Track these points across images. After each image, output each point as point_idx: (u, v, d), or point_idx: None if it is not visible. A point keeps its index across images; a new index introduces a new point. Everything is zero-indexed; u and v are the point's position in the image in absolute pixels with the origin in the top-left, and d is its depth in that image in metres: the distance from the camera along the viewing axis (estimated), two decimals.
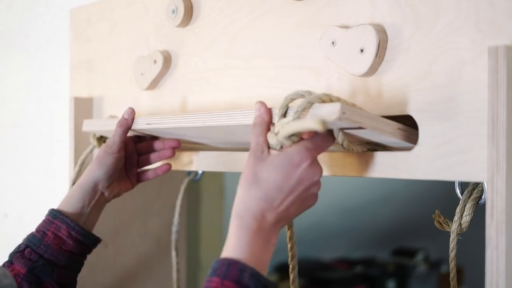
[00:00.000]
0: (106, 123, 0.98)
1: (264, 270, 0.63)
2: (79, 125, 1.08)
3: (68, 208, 0.89)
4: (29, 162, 1.49)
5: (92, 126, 1.02)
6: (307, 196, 0.66)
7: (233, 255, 0.62)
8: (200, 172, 1.16)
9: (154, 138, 0.99)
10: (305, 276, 2.72)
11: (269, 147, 0.66)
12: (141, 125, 0.89)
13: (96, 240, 0.91)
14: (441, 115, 0.66)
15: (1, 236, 1.55)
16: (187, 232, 1.36)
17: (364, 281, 2.71)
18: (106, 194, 0.92)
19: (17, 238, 1.50)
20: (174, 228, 1.15)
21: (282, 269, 2.79)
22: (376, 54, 0.70)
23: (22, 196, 1.51)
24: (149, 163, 0.98)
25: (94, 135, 1.06)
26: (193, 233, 1.42)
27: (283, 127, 0.64)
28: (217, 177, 1.49)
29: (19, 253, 0.86)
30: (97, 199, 0.91)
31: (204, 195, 1.43)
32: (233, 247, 0.62)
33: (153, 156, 0.97)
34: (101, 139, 1.06)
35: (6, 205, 1.56)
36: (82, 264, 0.90)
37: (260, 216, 0.63)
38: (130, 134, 0.95)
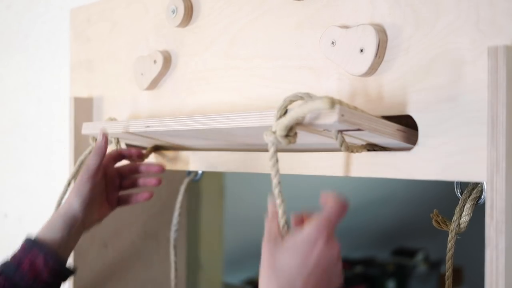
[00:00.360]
0: (106, 126, 0.98)
1: None
2: (79, 125, 1.08)
3: (48, 237, 0.88)
4: (29, 162, 1.49)
5: (92, 129, 1.02)
6: (329, 277, 0.62)
7: None
8: (200, 172, 1.16)
9: (139, 155, 0.98)
10: None
11: (282, 235, 0.64)
12: (140, 127, 0.89)
13: (71, 272, 0.90)
14: (441, 115, 0.66)
15: (1, 236, 1.55)
16: (187, 232, 1.36)
17: (364, 281, 2.71)
18: (86, 223, 0.92)
19: (17, 238, 1.50)
20: (173, 228, 1.15)
21: None
22: (376, 54, 0.70)
23: (22, 196, 1.51)
24: (134, 187, 0.98)
25: (94, 137, 1.06)
26: (193, 233, 1.42)
27: (288, 115, 0.63)
28: (217, 177, 1.49)
29: None
30: (77, 228, 0.91)
31: (204, 195, 1.43)
32: None
33: (140, 180, 0.98)
34: None
35: (6, 205, 1.56)
36: None
37: None
38: (129, 138, 0.95)
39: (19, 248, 0.88)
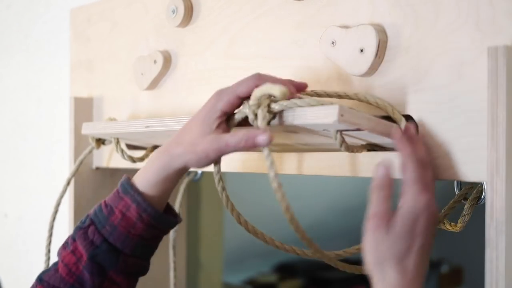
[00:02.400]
0: (106, 126, 0.98)
1: None
2: (79, 125, 1.08)
3: (144, 181, 0.73)
4: (29, 162, 1.49)
5: (92, 129, 1.02)
6: (430, 236, 0.61)
7: None
8: (200, 172, 1.16)
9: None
10: (305, 276, 2.72)
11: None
12: (140, 127, 0.89)
13: (172, 222, 0.75)
14: (441, 115, 0.66)
15: (1, 236, 1.55)
16: (187, 232, 1.36)
17: (364, 281, 2.71)
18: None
19: (17, 238, 1.50)
20: None
21: (282, 269, 2.79)
22: (376, 54, 0.70)
23: (22, 196, 1.51)
24: None
25: (93, 137, 1.06)
26: (193, 233, 1.42)
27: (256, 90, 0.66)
28: None
29: (82, 230, 0.73)
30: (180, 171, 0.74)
31: (204, 195, 1.43)
32: None
33: None
34: (100, 141, 1.06)
35: (6, 205, 1.56)
36: (155, 248, 0.75)
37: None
38: (129, 138, 0.95)
39: (113, 192, 0.74)
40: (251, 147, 0.66)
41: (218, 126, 0.69)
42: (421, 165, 0.63)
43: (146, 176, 0.72)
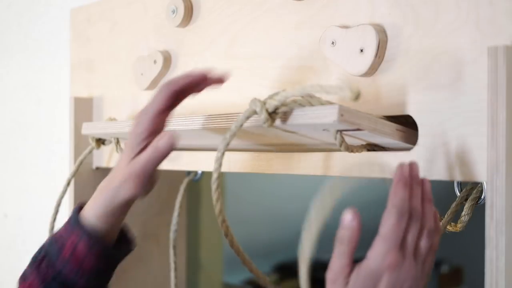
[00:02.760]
0: (106, 126, 0.98)
1: None
2: (79, 125, 1.08)
3: (91, 213, 0.73)
4: (29, 162, 1.49)
5: (92, 129, 1.02)
6: None
7: None
8: (200, 172, 1.16)
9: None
10: None
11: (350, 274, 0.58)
12: None
13: (125, 251, 0.76)
14: (441, 115, 0.66)
15: (1, 236, 1.55)
16: (187, 232, 1.36)
17: None
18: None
19: (17, 238, 1.50)
20: (172, 227, 1.15)
21: (282, 269, 2.79)
22: (376, 54, 0.70)
23: (22, 196, 1.51)
24: None
25: (93, 137, 1.06)
26: (193, 233, 1.42)
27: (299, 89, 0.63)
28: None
29: (36, 263, 0.73)
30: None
31: (204, 195, 1.43)
32: None
33: None
34: (100, 141, 1.06)
35: (6, 205, 1.56)
36: (111, 275, 0.76)
37: None
38: (127, 138, 0.95)
39: (65, 223, 0.74)
40: (165, 153, 0.67)
41: (144, 148, 0.69)
42: (403, 219, 0.58)
43: (93, 209, 0.73)
